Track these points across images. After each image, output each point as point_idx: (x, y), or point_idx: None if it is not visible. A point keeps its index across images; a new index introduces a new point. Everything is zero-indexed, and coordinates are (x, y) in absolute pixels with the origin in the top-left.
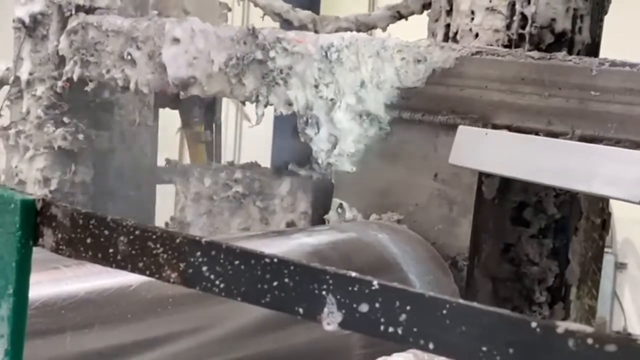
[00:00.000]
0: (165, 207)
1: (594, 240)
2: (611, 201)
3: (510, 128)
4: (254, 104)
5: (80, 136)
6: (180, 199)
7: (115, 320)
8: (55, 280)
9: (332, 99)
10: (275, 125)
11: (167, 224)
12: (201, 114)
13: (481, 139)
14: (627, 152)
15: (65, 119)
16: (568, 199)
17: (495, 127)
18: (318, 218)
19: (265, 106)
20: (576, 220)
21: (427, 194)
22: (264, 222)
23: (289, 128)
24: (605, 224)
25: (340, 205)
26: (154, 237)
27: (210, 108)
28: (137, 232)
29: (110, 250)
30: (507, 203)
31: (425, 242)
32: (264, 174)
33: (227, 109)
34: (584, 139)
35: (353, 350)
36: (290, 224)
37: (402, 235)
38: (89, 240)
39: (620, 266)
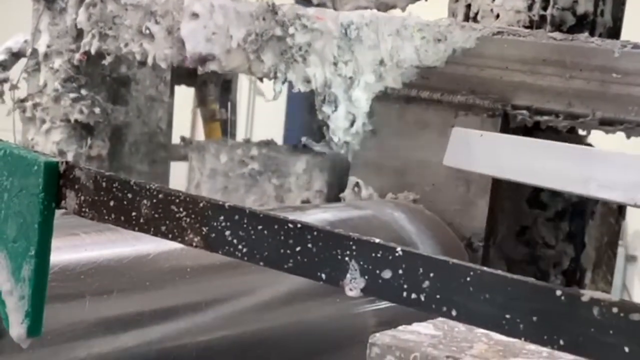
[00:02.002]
0: (178, 185)
1: (610, 225)
2: None
3: (530, 109)
4: (272, 80)
5: (97, 110)
6: (195, 175)
7: (133, 287)
8: (75, 246)
9: (350, 77)
10: (288, 104)
11: None
12: (216, 91)
13: (476, 140)
14: (623, 156)
15: (82, 92)
16: None
17: (515, 107)
18: (334, 196)
19: (284, 83)
20: (593, 204)
21: (444, 174)
22: (279, 199)
23: (303, 106)
24: (621, 209)
25: (357, 184)
26: (177, 200)
27: (225, 86)
28: (160, 196)
29: (133, 214)
30: (524, 185)
31: (441, 222)
32: (280, 151)
33: (240, 87)
34: (604, 121)
35: (367, 329)
36: (306, 202)
37: (418, 215)
38: (112, 203)
39: (630, 259)
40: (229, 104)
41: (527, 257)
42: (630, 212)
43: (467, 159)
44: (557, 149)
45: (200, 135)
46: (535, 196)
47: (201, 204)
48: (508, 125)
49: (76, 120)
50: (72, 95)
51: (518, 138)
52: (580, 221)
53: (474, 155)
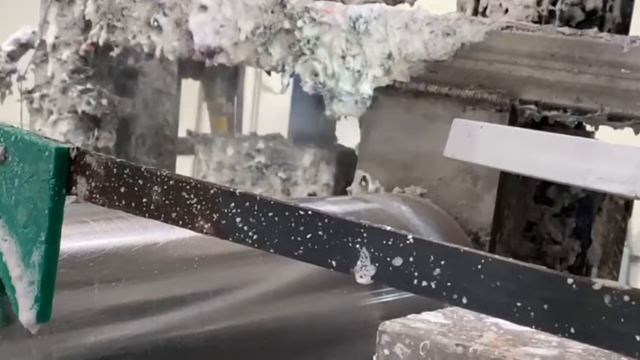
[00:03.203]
0: None
1: (617, 222)
2: None
3: (538, 104)
4: (280, 73)
5: (104, 102)
6: (202, 167)
7: (141, 275)
8: (84, 233)
9: (358, 71)
10: (293, 97)
11: None
12: (223, 85)
13: (477, 132)
14: (624, 148)
15: (90, 84)
16: None
17: (523, 102)
18: (340, 190)
19: (291, 76)
20: (600, 200)
21: (452, 169)
22: (286, 192)
23: (308, 100)
24: (628, 205)
25: (364, 178)
26: (188, 187)
27: (232, 79)
28: (171, 182)
29: (144, 200)
30: (531, 180)
31: (448, 216)
32: (286, 144)
33: (245, 81)
34: (612, 116)
35: (373, 322)
36: (312, 196)
37: (426, 209)
38: (122, 190)
39: (634, 259)
40: (235, 98)
41: (534, 253)
42: (635, 212)
43: (468, 150)
44: (557, 141)
45: (205, 129)
46: (542, 192)
47: (212, 191)
48: (516, 120)
49: (83, 112)
50: (80, 86)
51: (518, 130)
52: (587, 217)
53: (475, 146)
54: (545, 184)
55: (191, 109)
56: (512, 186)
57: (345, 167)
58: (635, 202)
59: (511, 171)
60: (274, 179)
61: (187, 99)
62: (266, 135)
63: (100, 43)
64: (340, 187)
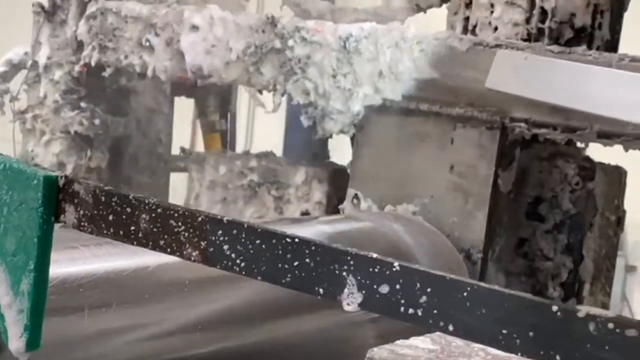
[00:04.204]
0: (178, 196)
1: (609, 237)
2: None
3: (528, 122)
4: (271, 92)
5: (97, 121)
6: (194, 186)
7: (132, 300)
8: (74, 259)
9: (349, 89)
10: (288, 115)
11: None
12: (216, 103)
13: (520, 63)
14: None
15: (82, 104)
16: (584, 194)
17: (513, 120)
18: (333, 208)
19: (283, 95)
20: (591, 216)
21: (443, 186)
22: (278, 211)
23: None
24: (620, 221)
25: (355, 196)
26: (176, 215)
27: (225, 97)
28: (159, 210)
29: (132, 228)
30: (523, 197)
31: (440, 234)
32: (279, 163)
33: (240, 98)
34: (602, 134)
35: (366, 340)
36: (305, 214)
37: (417, 227)
38: (110, 218)
39: (630, 269)
40: (229, 115)
41: (526, 269)
42: (629, 223)
43: (510, 81)
44: (604, 74)
45: (201, 147)
46: (534, 208)
47: (200, 218)
48: (506, 138)
49: (76, 132)
50: (72, 107)
51: (563, 62)
52: (578, 233)
53: (517, 78)
54: (537, 200)
55: (186, 126)
56: (504, 203)
57: (337, 184)
58: (628, 213)
59: (552, 104)
60: (267, 197)
61: (182, 117)
62: (258, 154)
63: (93, 63)
64: (333, 204)
